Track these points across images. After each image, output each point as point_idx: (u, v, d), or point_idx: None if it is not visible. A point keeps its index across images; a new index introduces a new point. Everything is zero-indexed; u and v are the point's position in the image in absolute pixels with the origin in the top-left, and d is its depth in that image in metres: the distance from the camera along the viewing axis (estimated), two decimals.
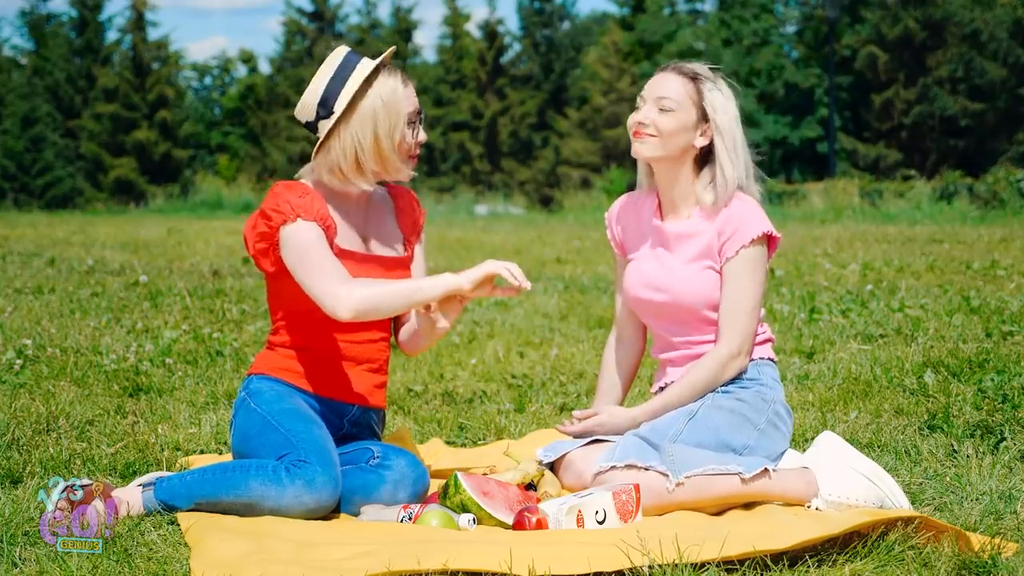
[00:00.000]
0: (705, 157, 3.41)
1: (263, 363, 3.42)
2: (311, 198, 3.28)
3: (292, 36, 42.78)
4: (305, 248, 3.21)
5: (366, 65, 3.31)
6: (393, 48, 3.38)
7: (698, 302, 3.36)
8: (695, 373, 3.32)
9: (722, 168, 3.35)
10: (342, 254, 3.33)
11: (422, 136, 3.36)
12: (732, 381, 3.36)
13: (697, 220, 3.38)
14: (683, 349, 3.43)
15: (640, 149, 3.38)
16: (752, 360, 3.37)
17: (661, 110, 3.35)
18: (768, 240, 3.35)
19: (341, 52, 3.37)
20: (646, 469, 3.15)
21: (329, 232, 3.28)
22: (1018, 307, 6.55)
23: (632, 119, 3.39)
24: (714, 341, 3.36)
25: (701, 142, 3.37)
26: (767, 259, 3.36)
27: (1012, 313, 6.31)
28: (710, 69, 3.43)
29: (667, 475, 3.12)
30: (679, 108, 3.34)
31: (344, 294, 3.15)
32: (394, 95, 3.30)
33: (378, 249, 3.43)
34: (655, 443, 3.23)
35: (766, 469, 3.12)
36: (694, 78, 3.37)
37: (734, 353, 3.29)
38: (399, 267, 3.45)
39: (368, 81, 3.29)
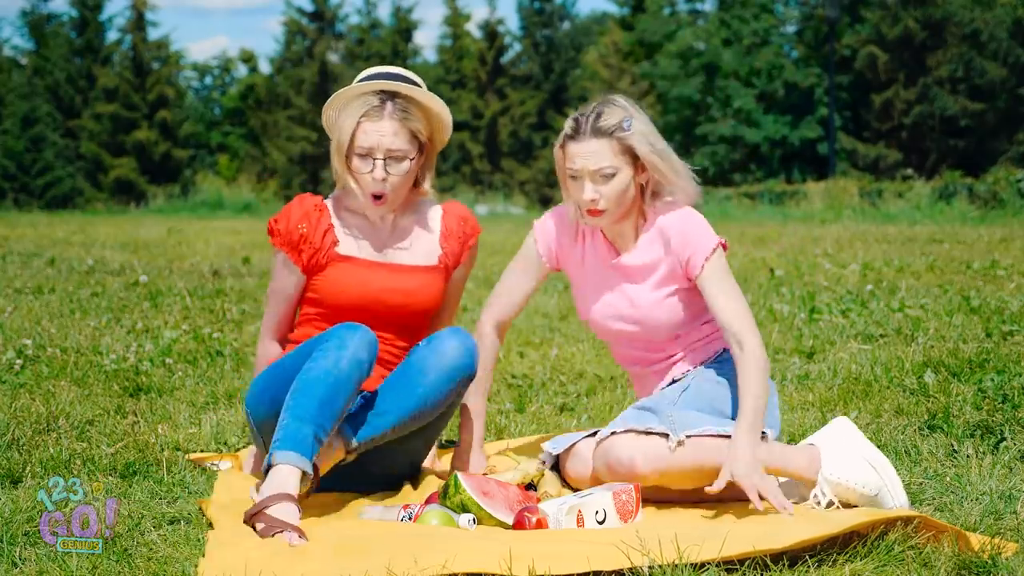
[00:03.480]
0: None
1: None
2: (290, 218, 3.46)
3: (292, 36, 42.78)
4: (269, 294, 3.57)
5: (352, 88, 3.44)
6: (387, 84, 3.41)
7: (669, 327, 3.42)
8: (752, 384, 3.17)
9: (672, 191, 3.37)
10: (339, 259, 3.45)
11: (378, 173, 3.37)
12: (716, 360, 3.42)
13: (648, 246, 3.39)
14: (649, 366, 3.49)
15: (598, 223, 3.36)
16: (727, 348, 3.43)
17: (603, 177, 3.29)
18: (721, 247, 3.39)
19: (366, 72, 3.49)
20: (646, 433, 3.18)
21: (308, 259, 3.45)
22: (1018, 307, 6.55)
23: (580, 199, 3.31)
24: (680, 353, 3.43)
25: (643, 179, 3.36)
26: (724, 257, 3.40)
27: (1012, 313, 6.31)
28: (611, 102, 3.34)
29: (667, 435, 3.15)
30: (618, 169, 3.31)
31: (258, 343, 3.60)
32: (337, 122, 3.43)
33: (400, 258, 3.51)
34: (650, 408, 3.28)
35: (764, 434, 3.16)
36: (614, 133, 3.29)
37: (759, 343, 3.24)
38: (415, 273, 3.50)
39: (349, 103, 3.44)
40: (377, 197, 3.41)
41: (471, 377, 3.41)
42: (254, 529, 2.89)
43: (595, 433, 3.39)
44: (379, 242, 3.51)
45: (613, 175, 3.29)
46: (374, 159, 3.37)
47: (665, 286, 3.39)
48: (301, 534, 2.84)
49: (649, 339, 3.46)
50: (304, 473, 3.01)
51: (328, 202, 3.53)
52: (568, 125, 3.33)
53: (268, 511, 2.89)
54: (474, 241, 3.61)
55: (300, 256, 3.45)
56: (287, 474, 2.98)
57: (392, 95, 3.41)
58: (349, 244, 3.48)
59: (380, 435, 3.28)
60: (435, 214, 3.60)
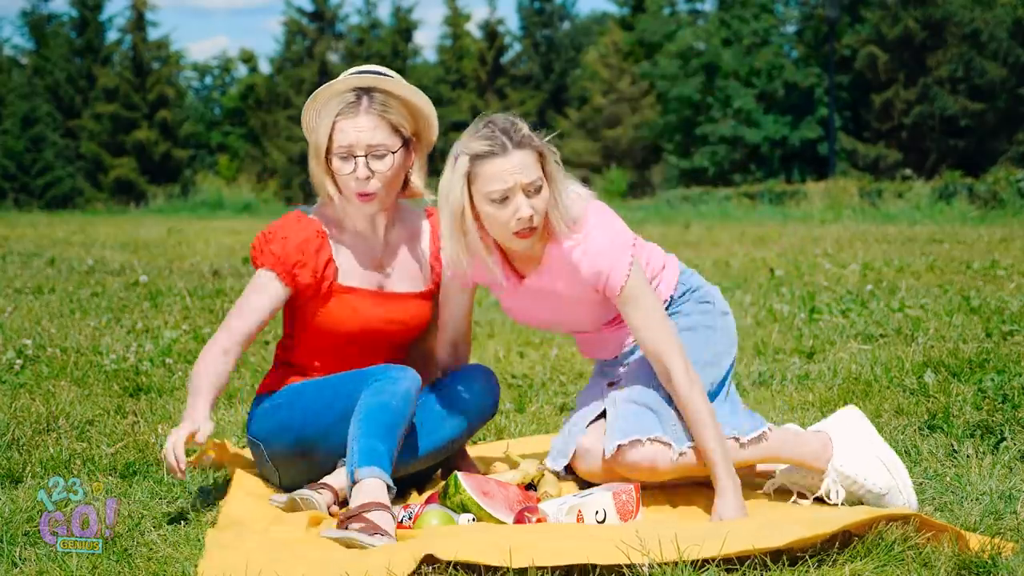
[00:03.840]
0: None
1: (274, 382, 3.44)
2: (288, 243, 3.30)
3: (292, 36, 42.81)
4: (245, 297, 3.32)
5: (325, 88, 3.33)
6: (362, 79, 3.31)
7: (595, 321, 3.37)
8: (695, 412, 3.14)
9: (564, 204, 3.16)
10: (348, 291, 3.35)
11: (360, 172, 3.24)
12: (669, 307, 3.37)
13: (557, 270, 3.23)
14: (595, 333, 3.43)
15: (528, 245, 3.17)
16: (671, 296, 3.39)
17: (535, 190, 3.11)
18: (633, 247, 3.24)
19: (344, 73, 3.38)
20: (652, 441, 3.18)
21: (301, 284, 3.31)
22: (1018, 307, 6.55)
23: (513, 220, 3.09)
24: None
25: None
26: (640, 263, 3.24)
27: (1012, 313, 6.31)
28: (505, 118, 3.17)
29: (670, 444, 3.17)
30: (543, 180, 3.14)
31: (211, 343, 3.27)
32: (312, 122, 3.31)
33: (396, 284, 3.42)
34: (650, 405, 3.23)
35: (763, 432, 3.20)
36: (532, 143, 3.14)
37: (683, 368, 3.16)
38: (411, 301, 3.43)
39: (325, 104, 3.31)
40: (363, 195, 3.28)
41: (493, 414, 3.47)
42: (345, 529, 2.85)
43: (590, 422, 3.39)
44: (374, 261, 3.40)
45: (541, 186, 3.13)
46: (355, 157, 3.25)
47: (583, 299, 3.29)
48: None
49: (575, 330, 3.44)
50: (388, 486, 2.98)
51: (321, 223, 3.37)
52: (478, 147, 3.09)
53: (368, 515, 2.86)
54: None
55: (294, 279, 3.31)
56: (376, 486, 2.95)
57: (368, 90, 3.30)
58: (348, 271, 3.37)
59: (400, 469, 3.25)
60: (425, 228, 3.49)
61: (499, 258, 3.27)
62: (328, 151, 3.28)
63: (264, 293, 3.31)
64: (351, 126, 3.25)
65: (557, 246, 3.20)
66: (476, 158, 3.09)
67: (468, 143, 3.12)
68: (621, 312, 3.22)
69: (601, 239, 3.19)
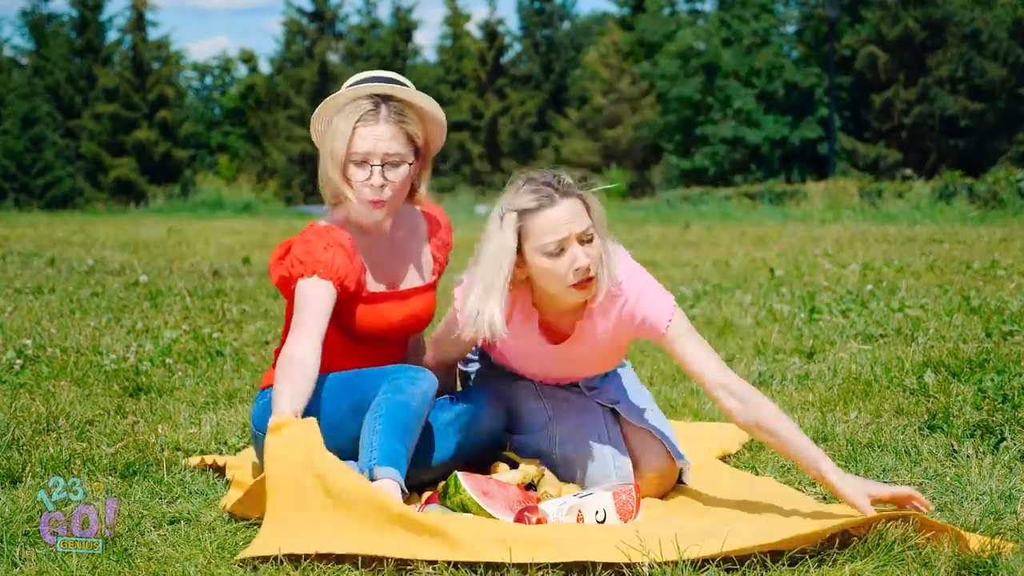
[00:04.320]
0: None
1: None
2: (335, 252, 3.25)
3: (292, 36, 42.86)
4: (306, 303, 3.20)
5: (343, 94, 3.31)
6: (380, 87, 3.29)
7: (600, 370, 3.43)
8: (798, 437, 3.00)
9: (610, 257, 3.12)
10: (372, 298, 3.36)
11: (376, 180, 3.24)
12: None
13: (594, 330, 3.22)
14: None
15: (587, 295, 3.11)
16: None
17: (587, 240, 3.06)
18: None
19: (354, 78, 3.38)
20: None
21: (345, 291, 3.26)
22: (1018, 307, 6.55)
23: (575, 268, 3.04)
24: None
25: None
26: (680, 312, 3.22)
27: (1012, 313, 6.31)
28: (549, 169, 3.12)
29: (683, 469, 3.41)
30: (594, 229, 3.08)
31: (288, 349, 3.10)
32: (337, 128, 3.24)
33: (406, 281, 3.45)
34: (664, 429, 3.41)
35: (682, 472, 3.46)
36: (575, 191, 3.08)
37: (749, 386, 3.11)
38: (420, 295, 3.46)
39: (341, 109, 3.28)
40: (375, 202, 3.29)
41: (500, 437, 3.50)
42: None
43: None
44: (384, 264, 3.41)
45: (593, 236, 3.06)
46: (371, 165, 3.25)
47: (603, 355, 3.32)
48: None
49: (578, 378, 3.47)
50: (403, 491, 3.00)
51: (346, 231, 3.34)
52: (525, 202, 3.04)
53: None
54: (450, 236, 3.60)
55: (343, 285, 3.27)
56: (393, 488, 2.97)
57: (386, 98, 3.30)
58: (369, 276, 3.38)
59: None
60: (422, 222, 3.52)
61: (532, 313, 3.22)
62: (346, 156, 3.26)
63: (325, 296, 3.21)
64: (370, 133, 3.24)
65: (600, 304, 3.15)
66: (525, 213, 3.04)
67: (512, 200, 3.07)
68: (671, 350, 3.15)
69: (643, 286, 3.15)
